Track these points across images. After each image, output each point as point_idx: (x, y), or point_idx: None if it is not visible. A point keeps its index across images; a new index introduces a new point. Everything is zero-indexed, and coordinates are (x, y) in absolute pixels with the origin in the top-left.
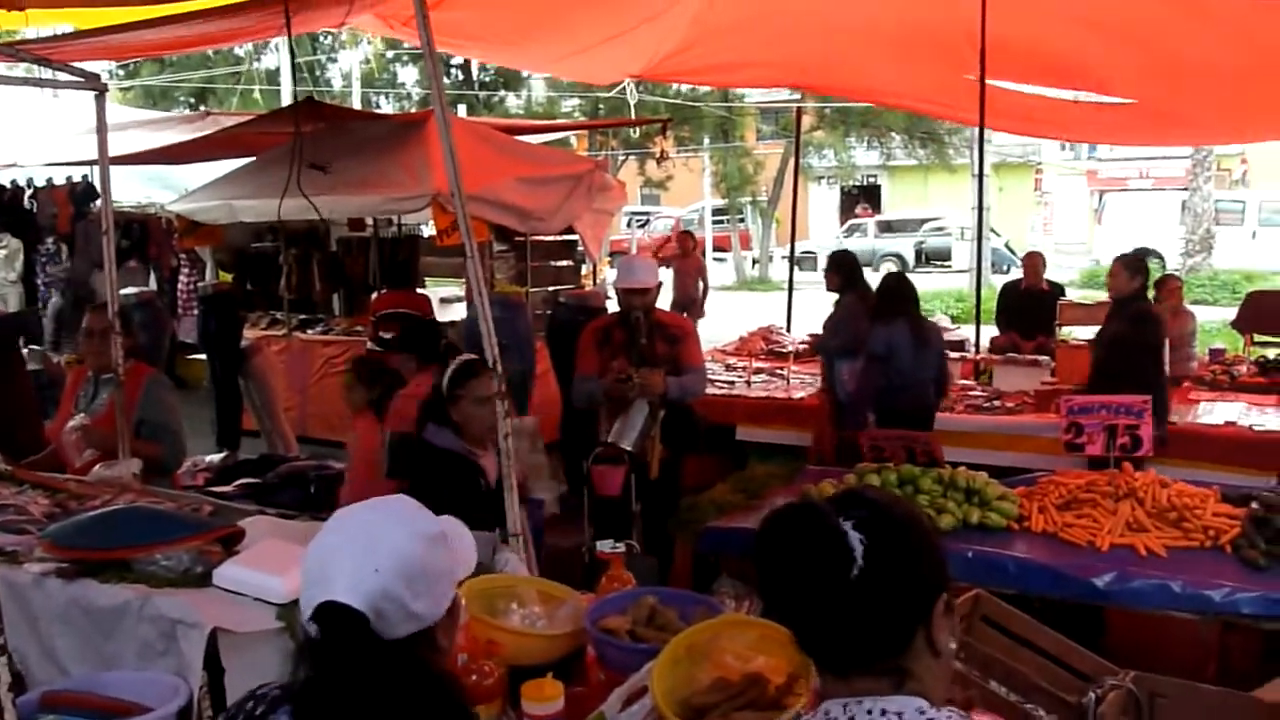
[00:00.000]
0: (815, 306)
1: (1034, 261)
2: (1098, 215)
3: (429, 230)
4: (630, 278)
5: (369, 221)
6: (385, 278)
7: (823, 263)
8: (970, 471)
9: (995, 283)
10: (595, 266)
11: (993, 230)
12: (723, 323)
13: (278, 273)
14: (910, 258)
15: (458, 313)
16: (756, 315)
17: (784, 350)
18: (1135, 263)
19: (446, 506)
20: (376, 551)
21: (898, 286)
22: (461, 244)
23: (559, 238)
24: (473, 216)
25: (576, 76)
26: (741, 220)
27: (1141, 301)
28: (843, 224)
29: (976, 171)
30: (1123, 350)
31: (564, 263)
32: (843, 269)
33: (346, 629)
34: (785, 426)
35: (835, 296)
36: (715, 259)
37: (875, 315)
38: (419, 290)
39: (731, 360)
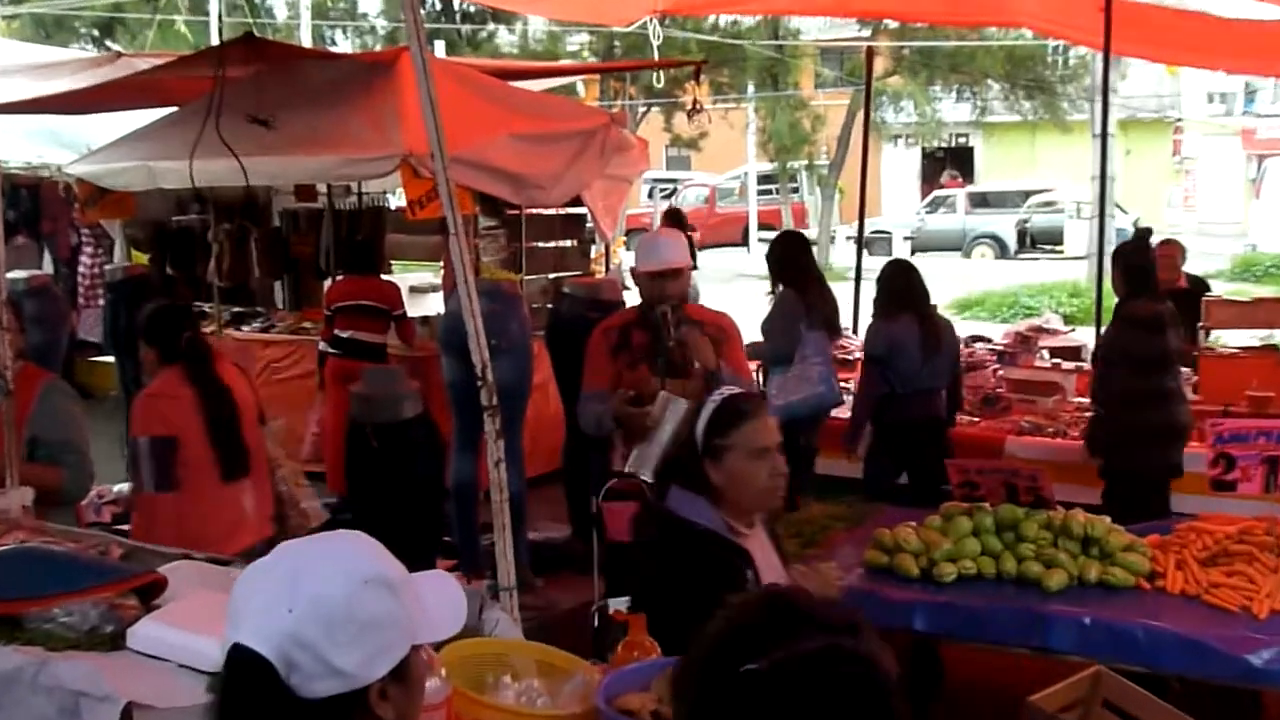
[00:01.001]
0: None
1: (1170, 253)
2: (1255, 186)
3: (397, 201)
4: (654, 258)
5: (321, 190)
6: (342, 261)
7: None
8: (1089, 515)
9: None
10: (609, 248)
11: (1118, 206)
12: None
13: (206, 254)
14: (1010, 240)
15: (432, 305)
16: None
17: (850, 358)
18: None
19: (701, 613)
20: (295, 589)
21: (902, 277)
22: (439, 219)
23: (563, 211)
24: (457, 184)
25: (583, 17)
26: (795, 191)
27: None
28: (924, 196)
29: (1099, 130)
30: None
31: (569, 243)
32: (784, 254)
33: (250, 678)
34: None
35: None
36: (761, 239)
37: (876, 310)
38: (384, 277)
39: None
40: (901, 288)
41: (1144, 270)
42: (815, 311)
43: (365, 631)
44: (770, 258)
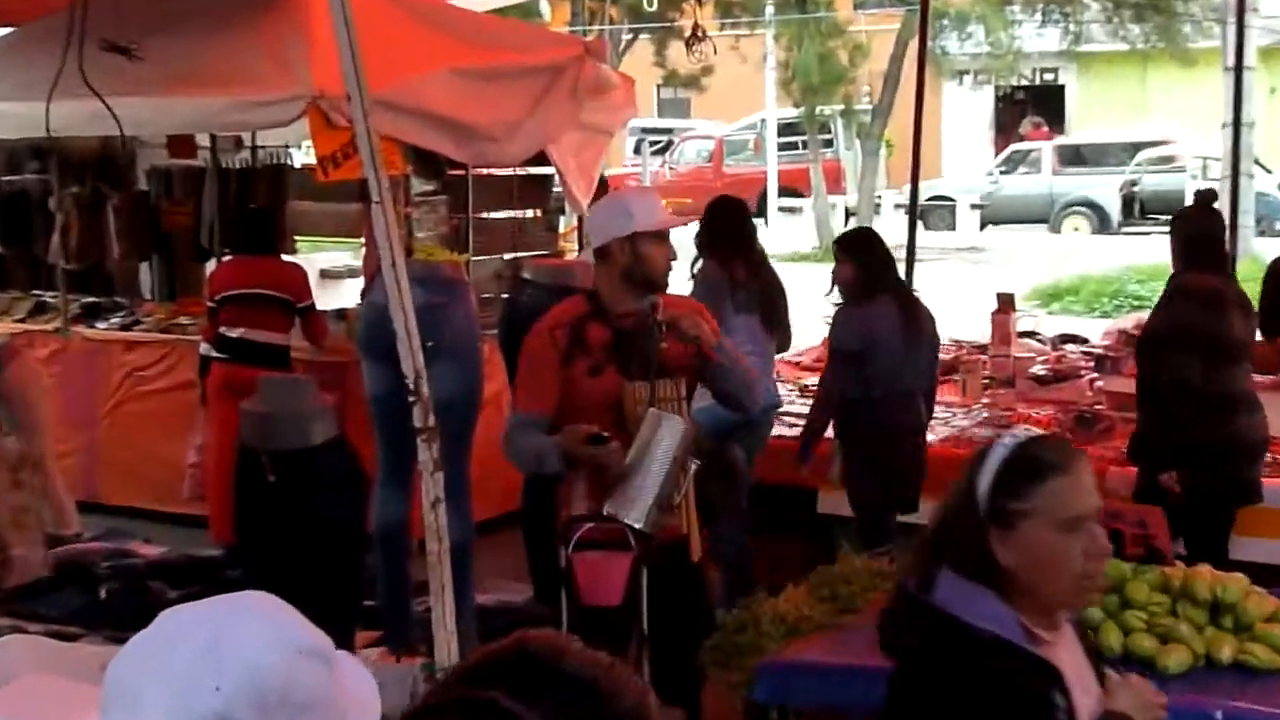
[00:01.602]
0: (953, 286)
1: None
2: None
3: (303, 158)
4: (644, 219)
5: (203, 142)
6: (230, 237)
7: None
8: (1218, 573)
9: (1262, 252)
10: (583, 221)
11: (1258, 163)
12: (792, 317)
13: (48, 225)
14: (1113, 209)
15: (349, 294)
16: None
17: None
18: None
19: None
20: (221, 661)
21: (871, 249)
22: (359, 181)
23: (522, 172)
24: (382, 135)
25: None
26: (829, 144)
27: None
28: (999, 151)
29: (1232, 62)
30: None
31: (530, 214)
32: (714, 222)
33: None
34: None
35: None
36: (782, 209)
37: (846, 294)
38: (286, 258)
39: (811, 379)
40: (875, 262)
41: (1206, 238)
42: (744, 291)
43: (302, 715)
44: (700, 226)
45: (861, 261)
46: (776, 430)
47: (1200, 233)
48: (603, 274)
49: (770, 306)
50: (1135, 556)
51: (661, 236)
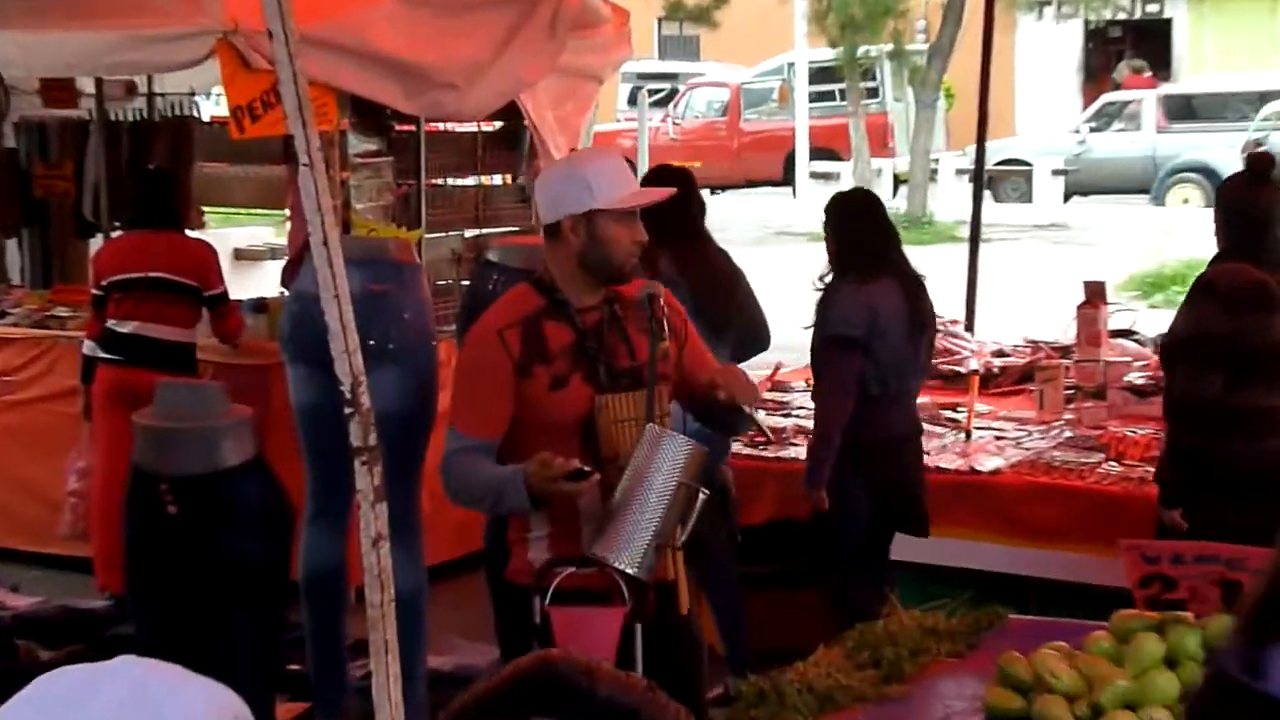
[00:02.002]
0: (1029, 272)
1: None
2: None
3: (213, 109)
4: (605, 194)
5: (87, 89)
6: (121, 207)
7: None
8: None
9: None
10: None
11: None
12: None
13: None
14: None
15: (270, 280)
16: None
17: (961, 370)
18: None
19: None
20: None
21: (869, 214)
22: (283, 138)
23: (489, 128)
24: (312, 81)
25: None
26: (873, 94)
27: None
28: (1088, 103)
29: None
30: None
31: (497, 180)
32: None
33: None
34: (965, 528)
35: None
36: (814, 175)
37: (840, 266)
38: (192, 233)
39: None
40: (875, 232)
41: (1253, 218)
42: (670, 286)
43: None
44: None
45: (859, 230)
46: (797, 451)
47: (1244, 211)
48: (555, 258)
49: (710, 303)
50: None
51: (628, 216)
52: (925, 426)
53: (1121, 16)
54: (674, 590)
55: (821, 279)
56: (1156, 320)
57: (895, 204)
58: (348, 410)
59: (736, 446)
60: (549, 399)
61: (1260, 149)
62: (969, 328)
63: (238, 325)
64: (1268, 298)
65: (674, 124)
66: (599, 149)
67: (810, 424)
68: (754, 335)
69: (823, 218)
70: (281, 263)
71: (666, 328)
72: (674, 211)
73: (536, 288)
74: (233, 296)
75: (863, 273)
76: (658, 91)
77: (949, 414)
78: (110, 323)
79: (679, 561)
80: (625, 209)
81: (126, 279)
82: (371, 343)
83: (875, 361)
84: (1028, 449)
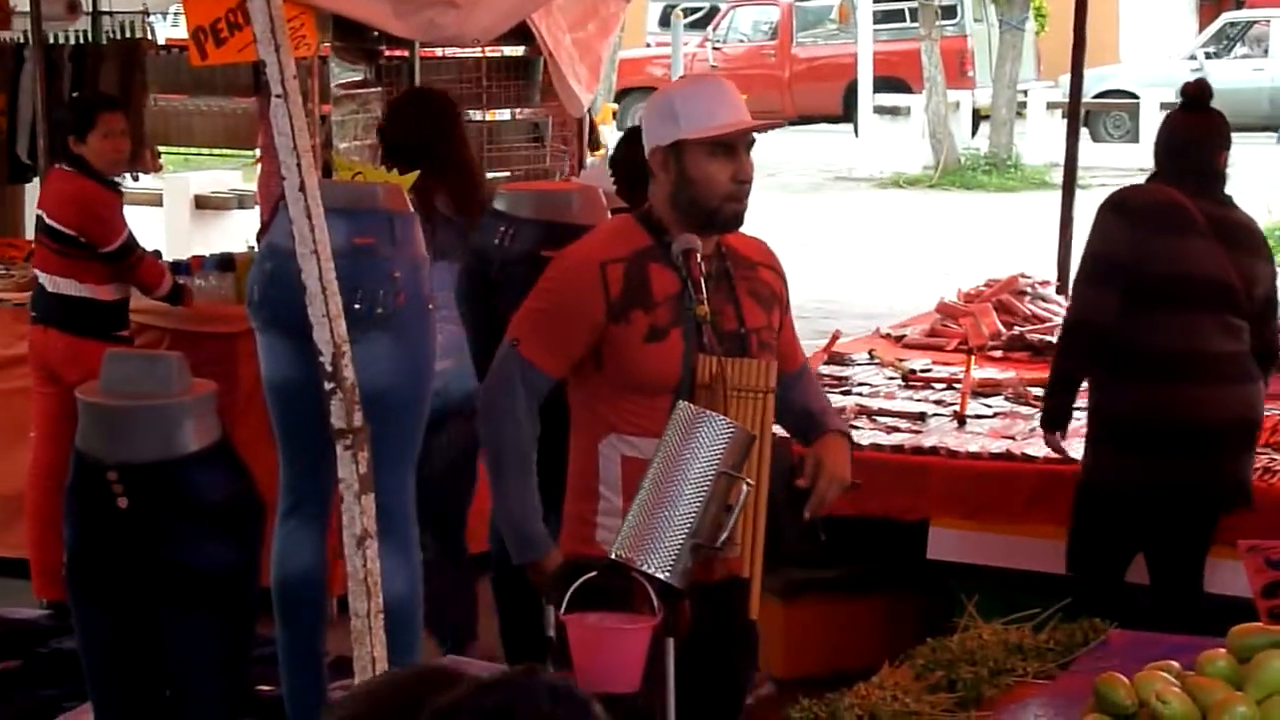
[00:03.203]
0: None
1: None
2: None
3: (169, 31)
4: (692, 121)
5: (21, 6)
6: (63, 145)
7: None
8: None
9: None
10: (584, 126)
11: None
12: (893, 271)
13: None
14: None
15: (237, 233)
16: (986, 249)
17: (1051, 339)
18: None
19: None
20: None
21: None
22: (253, 66)
23: (493, 53)
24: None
25: None
26: (950, 14)
27: None
28: (1205, 24)
29: None
30: None
31: (505, 115)
32: (397, 122)
33: None
34: (1057, 526)
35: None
36: (879, 109)
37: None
38: (146, 177)
39: (921, 362)
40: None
41: (1185, 147)
42: (446, 228)
43: None
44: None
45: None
46: (871, 437)
47: (1180, 140)
48: (655, 196)
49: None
50: None
51: (724, 149)
52: (1010, 406)
53: None
54: (745, 590)
55: None
56: None
57: (975, 144)
58: (328, 386)
59: (783, 431)
60: (643, 352)
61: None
62: (1061, 290)
63: (154, 275)
64: (1179, 221)
65: (714, 49)
66: (701, 75)
67: (871, 402)
68: None
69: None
70: (250, 212)
71: (704, 288)
72: (448, 143)
73: (644, 224)
74: (195, 251)
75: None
76: (695, 10)
77: (1037, 391)
78: (42, 278)
79: (758, 559)
80: (719, 139)
81: (48, 224)
82: (357, 307)
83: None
84: None
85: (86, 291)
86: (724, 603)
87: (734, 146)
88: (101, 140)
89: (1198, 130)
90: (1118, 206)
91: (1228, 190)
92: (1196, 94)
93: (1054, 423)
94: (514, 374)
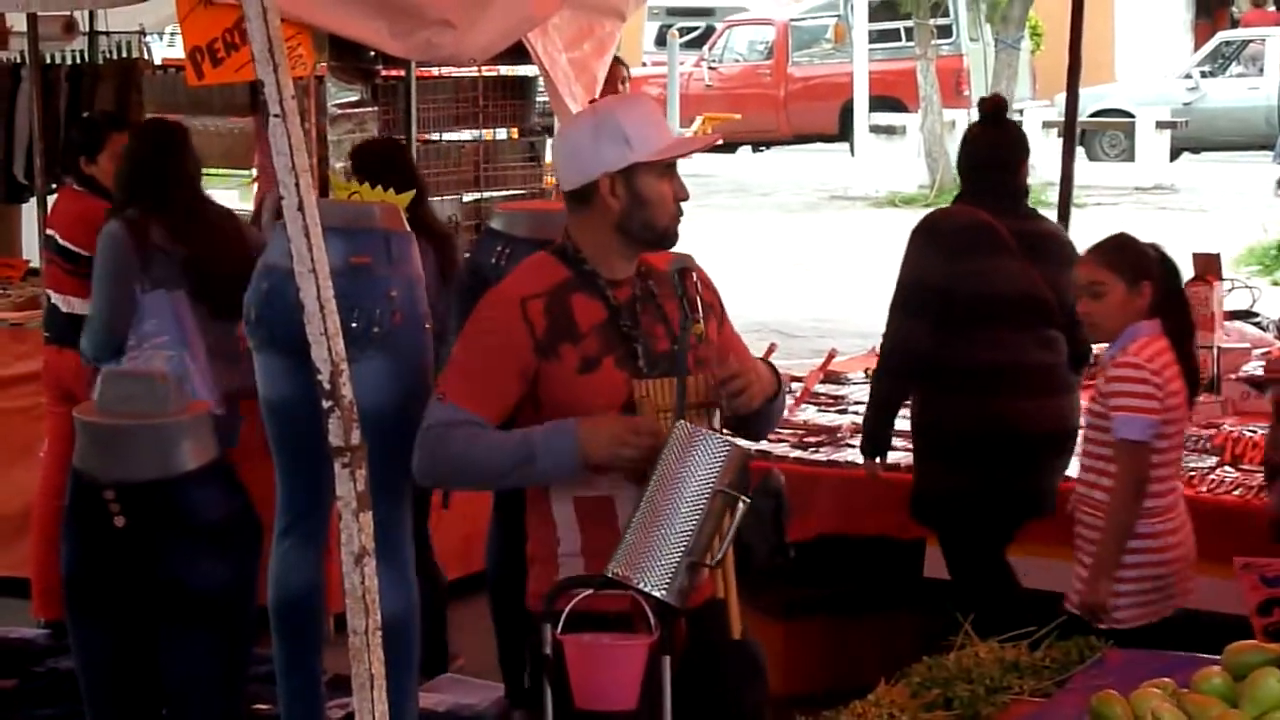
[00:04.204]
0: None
1: None
2: None
3: (166, 50)
4: (644, 144)
5: (17, 25)
6: (62, 164)
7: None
8: None
9: None
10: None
11: None
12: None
13: None
14: None
15: None
16: None
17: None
18: None
19: None
20: None
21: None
22: (250, 86)
23: (490, 73)
24: (285, 18)
25: None
26: (945, 33)
27: None
28: (1200, 43)
29: None
30: None
31: (502, 135)
32: (134, 155)
33: None
34: (1053, 545)
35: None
36: (876, 129)
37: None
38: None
39: None
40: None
41: (988, 164)
42: (161, 256)
43: None
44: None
45: None
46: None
47: (979, 157)
48: (585, 225)
49: (215, 271)
50: None
51: (669, 169)
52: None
53: None
54: (723, 610)
55: None
56: (1278, 300)
57: None
58: (326, 404)
59: (782, 448)
60: (578, 384)
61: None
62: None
63: None
64: (988, 242)
65: (709, 69)
66: (626, 95)
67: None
68: None
69: None
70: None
71: (700, 306)
72: (161, 171)
73: (559, 257)
74: None
75: None
76: (690, 30)
77: None
78: (50, 294)
79: (729, 577)
80: (667, 160)
81: (62, 244)
82: (354, 326)
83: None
84: None
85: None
86: (704, 626)
87: (674, 166)
88: (112, 160)
89: (998, 146)
90: (928, 232)
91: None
92: (993, 109)
93: (874, 448)
94: (444, 420)
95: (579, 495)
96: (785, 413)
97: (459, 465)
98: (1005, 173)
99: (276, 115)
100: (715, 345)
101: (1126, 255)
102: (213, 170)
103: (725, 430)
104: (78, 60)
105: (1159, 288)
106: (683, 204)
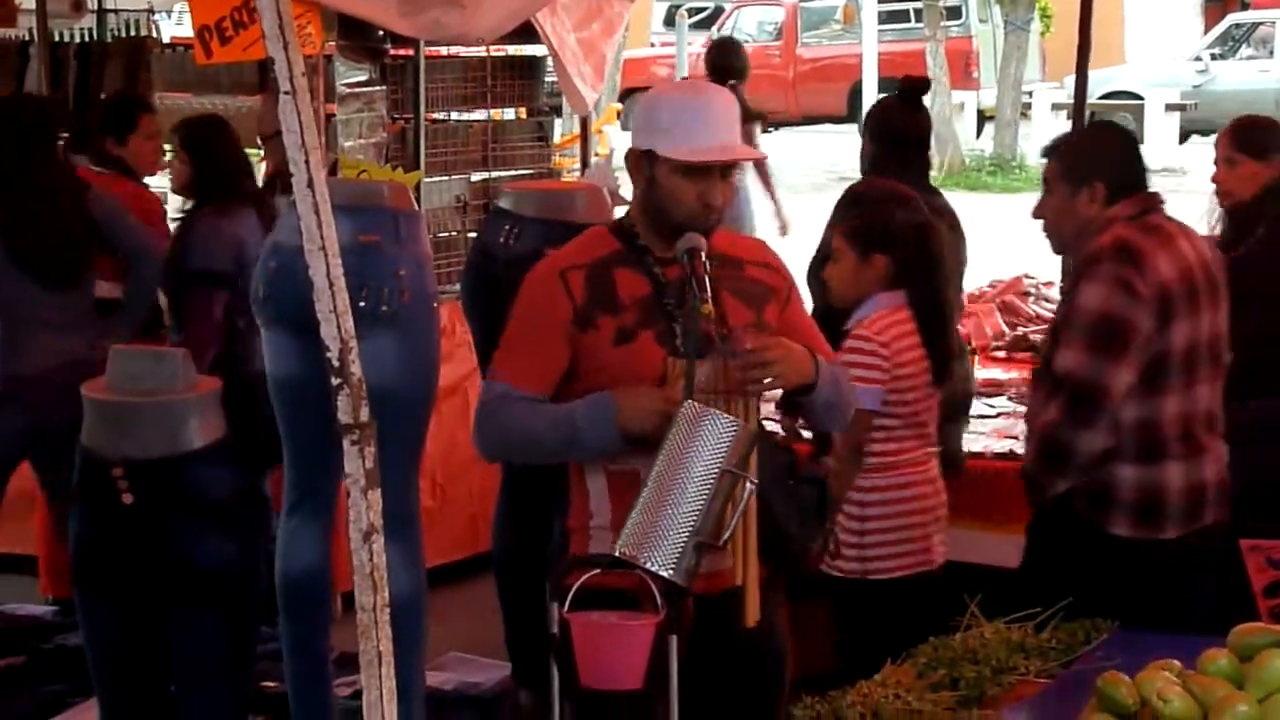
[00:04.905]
0: None
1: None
2: None
3: (174, 29)
4: (698, 137)
5: (26, 4)
6: (82, 143)
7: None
8: None
9: None
10: (586, 125)
11: None
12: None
13: None
14: None
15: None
16: (990, 250)
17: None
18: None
19: None
20: None
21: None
22: (259, 64)
23: (498, 52)
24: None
25: None
26: (955, 15)
27: None
28: (1211, 25)
29: None
30: None
31: (510, 115)
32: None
33: None
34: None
35: None
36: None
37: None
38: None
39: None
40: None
41: (905, 140)
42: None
43: None
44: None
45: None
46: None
47: (900, 130)
48: (633, 196)
49: (26, 244)
50: None
51: (699, 171)
52: (1014, 406)
53: None
54: (741, 600)
55: None
56: None
57: (980, 144)
58: (335, 381)
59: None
60: (612, 355)
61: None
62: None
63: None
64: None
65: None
66: (706, 87)
67: None
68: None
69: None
70: (249, 214)
71: (709, 286)
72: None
73: (615, 231)
74: None
75: None
76: (699, 10)
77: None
78: None
79: (752, 564)
80: (690, 162)
81: None
82: (362, 304)
83: None
84: None
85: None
86: (720, 614)
87: (709, 169)
88: (143, 142)
89: (917, 125)
90: (855, 200)
91: None
92: (916, 86)
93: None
94: (494, 396)
95: (610, 468)
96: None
97: (514, 441)
98: (921, 150)
99: (287, 93)
100: (771, 329)
101: (864, 227)
102: None
103: (785, 424)
104: (86, 38)
105: (901, 260)
106: (716, 204)
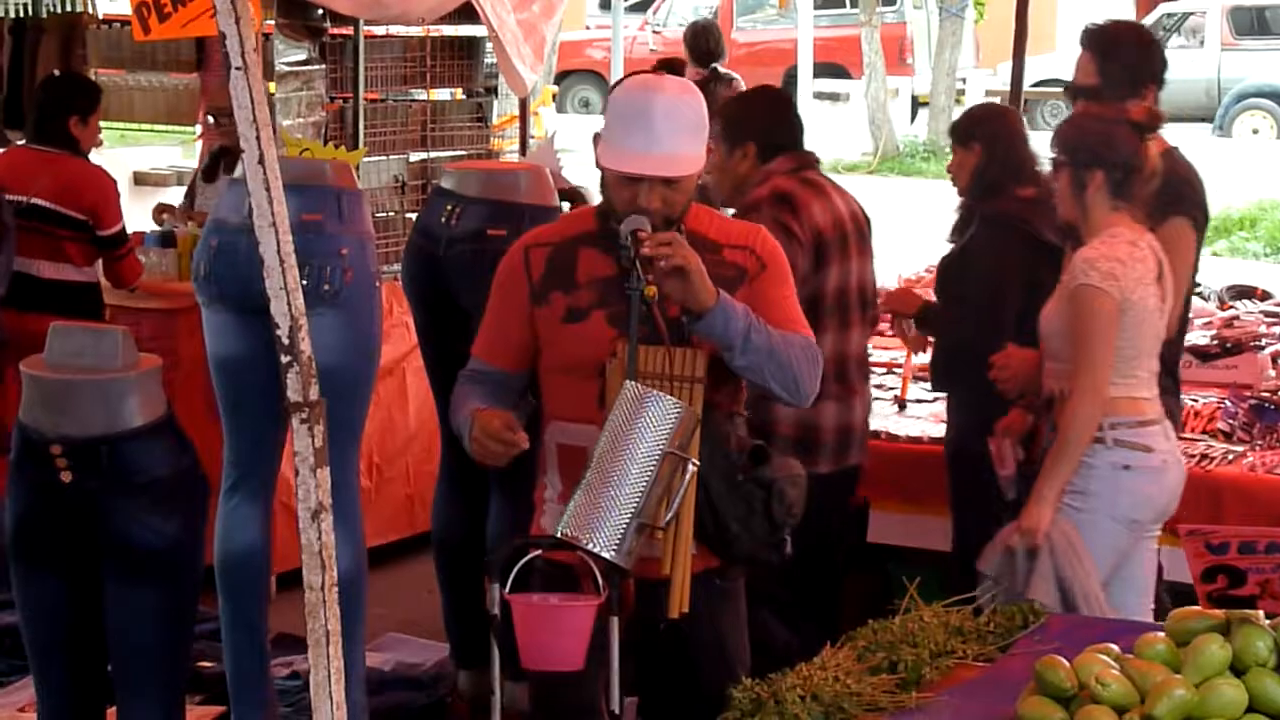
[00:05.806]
0: None
1: None
2: None
3: (110, 5)
4: (610, 147)
5: None
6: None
7: None
8: None
9: None
10: (526, 106)
11: None
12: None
13: None
14: None
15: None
16: (925, 236)
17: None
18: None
19: None
20: None
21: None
22: (197, 41)
23: (438, 32)
24: None
25: None
26: (890, 3)
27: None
28: (1142, 14)
29: None
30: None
31: (448, 95)
32: None
33: None
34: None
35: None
36: (820, 95)
37: None
38: (86, 152)
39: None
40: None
41: (794, 127)
42: None
43: None
44: None
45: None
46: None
47: (789, 119)
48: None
49: None
50: None
51: (632, 179)
52: None
53: None
54: (665, 590)
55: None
56: (1221, 271)
57: (914, 131)
58: (285, 359)
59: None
60: (562, 332)
61: None
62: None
63: (136, 270)
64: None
65: (654, 33)
66: (676, 82)
67: None
68: None
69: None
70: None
71: (653, 268)
72: None
73: (597, 212)
74: (134, 228)
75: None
76: None
77: None
78: None
79: (682, 554)
80: (624, 173)
81: (17, 204)
82: (305, 283)
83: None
84: None
85: (74, 275)
86: (651, 603)
87: (641, 180)
88: (95, 121)
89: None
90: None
91: None
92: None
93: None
94: (466, 372)
95: (561, 443)
96: None
97: (459, 426)
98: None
99: (239, 68)
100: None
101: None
102: (156, 126)
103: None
104: (21, 14)
105: None
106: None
